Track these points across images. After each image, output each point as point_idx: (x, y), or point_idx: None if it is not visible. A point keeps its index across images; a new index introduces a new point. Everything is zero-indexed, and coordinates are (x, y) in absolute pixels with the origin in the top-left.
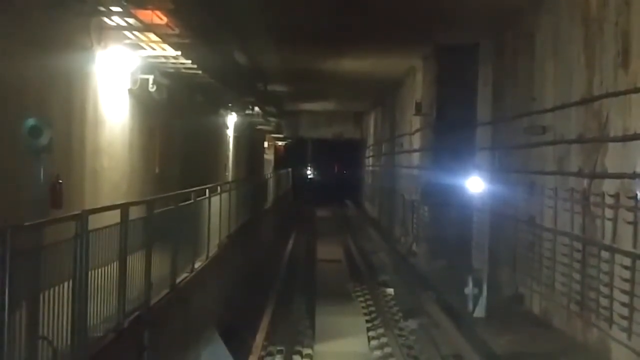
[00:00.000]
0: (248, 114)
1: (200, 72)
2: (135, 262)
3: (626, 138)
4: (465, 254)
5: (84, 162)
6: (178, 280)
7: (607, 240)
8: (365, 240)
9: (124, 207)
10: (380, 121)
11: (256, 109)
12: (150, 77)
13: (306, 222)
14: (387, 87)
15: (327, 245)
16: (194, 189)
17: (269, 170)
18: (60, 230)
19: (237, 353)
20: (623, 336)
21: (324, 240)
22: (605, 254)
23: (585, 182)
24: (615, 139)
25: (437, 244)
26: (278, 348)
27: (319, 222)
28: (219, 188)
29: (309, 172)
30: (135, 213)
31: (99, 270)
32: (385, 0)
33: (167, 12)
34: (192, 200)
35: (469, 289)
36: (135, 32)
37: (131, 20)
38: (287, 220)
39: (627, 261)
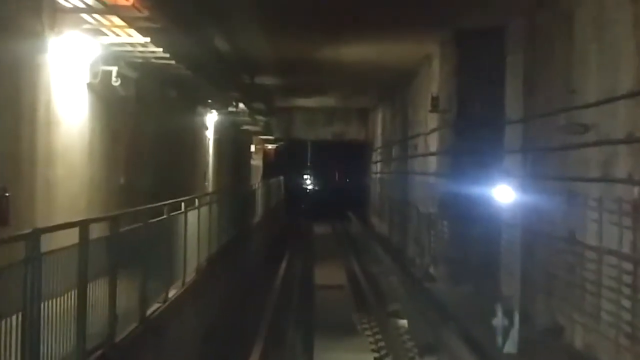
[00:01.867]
0: (231, 112)
1: (173, 62)
2: (98, 290)
3: None
4: (493, 277)
5: (35, 170)
6: (149, 311)
7: None
8: (373, 262)
9: (83, 225)
10: (389, 119)
11: (241, 105)
12: (114, 69)
13: (302, 240)
14: (398, 79)
15: (327, 268)
16: (167, 202)
17: (257, 179)
18: (5, 253)
19: None
20: None
21: (324, 262)
22: None
23: (636, 190)
24: None
25: (458, 266)
26: None
27: (317, 240)
28: (196, 201)
29: (304, 180)
30: (97, 232)
31: (54, 300)
32: None
33: None
34: (165, 216)
35: (498, 320)
36: (96, 15)
37: (90, 1)
38: (279, 238)
39: None
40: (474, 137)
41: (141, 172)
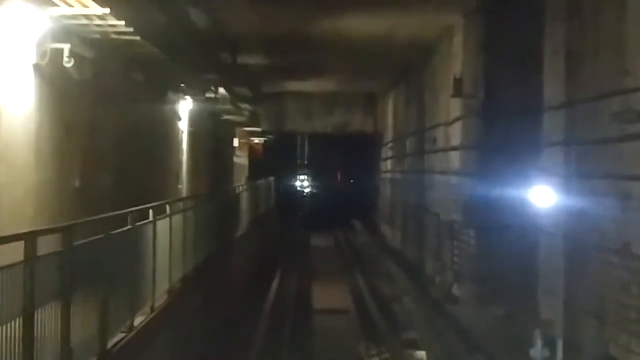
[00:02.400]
0: (209, 99)
1: (138, 38)
2: (48, 317)
3: None
4: (530, 298)
5: None
6: (110, 343)
7: None
8: (383, 281)
9: (29, 238)
10: (402, 107)
11: (221, 91)
12: (66, 47)
13: (297, 254)
14: (412, 57)
15: (329, 289)
16: (132, 209)
17: (241, 180)
18: None
19: None
20: None
21: (324, 282)
22: None
23: None
24: None
25: (487, 285)
26: None
27: (315, 255)
28: (168, 207)
29: (300, 182)
30: (46, 246)
31: None
32: None
33: None
34: (129, 226)
35: (537, 351)
36: None
37: None
38: (269, 252)
39: None
40: (506, 127)
41: (100, 173)
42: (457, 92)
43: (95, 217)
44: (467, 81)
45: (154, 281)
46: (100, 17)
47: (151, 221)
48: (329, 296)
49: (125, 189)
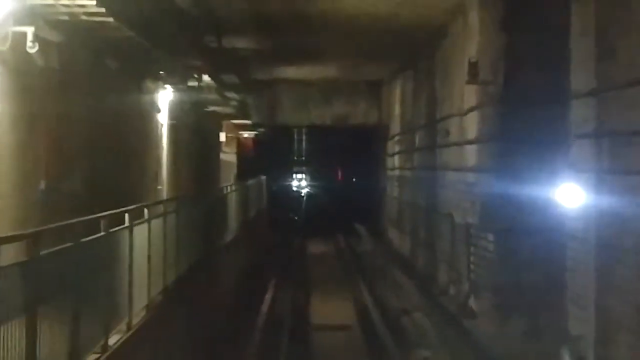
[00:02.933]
0: (192, 88)
1: (111, 20)
2: (10, 336)
3: None
4: (556, 310)
5: None
6: None
7: None
8: (391, 292)
9: None
10: (410, 96)
11: (205, 79)
12: (30, 31)
13: (293, 263)
14: (421, 39)
15: (329, 303)
16: (106, 213)
17: (229, 180)
18: None
19: None
20: None
21: (324, 294)
22: None
23: None
24: None
25: (508, 296)
26: None
27: (313, 264)
28: (146, 211)
29: (295, 181)
30: (8, 256)
31: None
32: None
33: None
34: (102, 233)
35: None
36: None
37: None
38: (261, 260)
39: None
40: (528, 117)
41: (69, 173)
42: (473, 77)
43: (64, 223)
44: (484, 65)
45: (130, 295)
46: None
47: (127, 227)
48: (330, 311)
49: (98, 191)
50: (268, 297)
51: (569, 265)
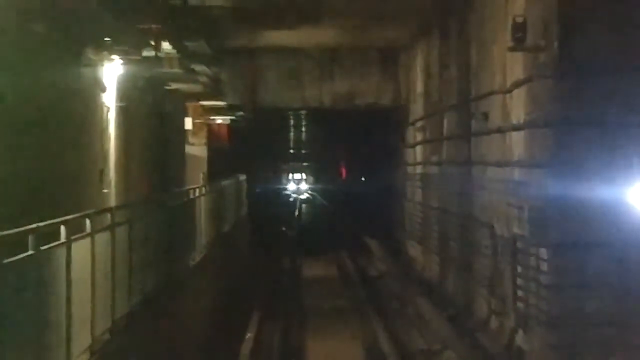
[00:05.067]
0: (148, 60)
1: None
2: None
3: None
4: (633, 351)
5: None
6: None
7: None
8: (415, 330)
9: None
10: (436, 67)
11: (165, 46)
12: None
13: (281, 292)
14: None
15: (331, 342)
16: (34, 225)
17: (197, 180)
18: None
19: None
20: None
21: (324, 335)
22: None
23: None
24: None
25: (569, 331)
26: None
27: (309, 292)
28: (88, 223)
29: (284, 181)
30: None
31: None
32: None
33: None
34: (30, 252)
35: None
36: None
37: None
38: (238, 288)
39: None
40: (594, 92)
41: None
42: (519, 42)
43: None
44: (534, 26)
45: (68, 334)
46: None
47: (64, 243)
48: (332, 345)
49: (24, 198)
50: (250, 334)
51: None
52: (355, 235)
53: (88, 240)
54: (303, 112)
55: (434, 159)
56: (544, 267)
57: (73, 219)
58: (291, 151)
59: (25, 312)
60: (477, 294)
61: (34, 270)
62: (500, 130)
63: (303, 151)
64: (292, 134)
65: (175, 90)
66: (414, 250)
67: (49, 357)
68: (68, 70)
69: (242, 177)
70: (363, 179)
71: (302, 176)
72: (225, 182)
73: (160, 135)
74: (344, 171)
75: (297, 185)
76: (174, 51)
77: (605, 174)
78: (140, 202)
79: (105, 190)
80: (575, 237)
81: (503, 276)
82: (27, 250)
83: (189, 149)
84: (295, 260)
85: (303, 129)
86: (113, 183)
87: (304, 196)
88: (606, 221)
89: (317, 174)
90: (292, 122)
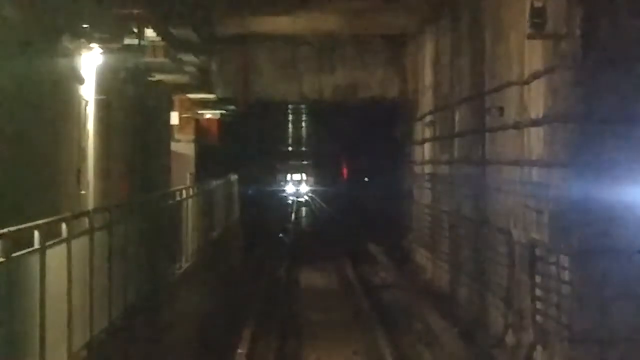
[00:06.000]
0: (130, 48)
1: None
2: None
3: None
4: None
5: None
6: None
7: None
8: (423, 345)
9: None
10: (447, 56)
11: (149, 34)
12: None
13: (276, 304)
14: None
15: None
16: (4, 231)
17: (184, 181)
18: None
19: None
20: None
21: (324, 352)
22: None
23: None
24: None
25: (593, 347)
26: None
27: (307, 306)
28: (64, 227)
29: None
30: None
31: None
32: None
33: None
34: (0, 258)
35: None
36: None
37: None
38: (230, 301)
39: None
40: (620, 86)
41: None
42: (538, 29)
43: None
44: (554, 11)
45: (42, 350)
46: None
47: (37, 249)
48: None
49: None
50: (242, 350)
51: None
52: (356, 241)
53: (64, 246)
54: (301, 106)
55: (444, 157)
56: (566, 276)
57: (47, 223)
58: (289, 149)
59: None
60: (491, 306)
61: (4, 279)
62: (517, 126)
63: (301, 149)
64: (289, 130)
65: (160, 82)
66: (421, 257)
67: None
68: (42, 60)
69: (234, 178)
70: (366, 179)
71: (301, 177)
72: (215, 183)
73: (143, 131)
74: (344, 171)
75: (297, 188)
76: (159, 39)
77: (633, 174)
78: (121, 205)
79: (82, 192)
80: (600, 243)
81: (520, 286)
82: None
83: (175, 146)
84: (291, 270)
85: (301, 124)
86: (91, 184)
87: (302, 199)
88: (633, 226)
89: (314, 174)
90: (289, 117)
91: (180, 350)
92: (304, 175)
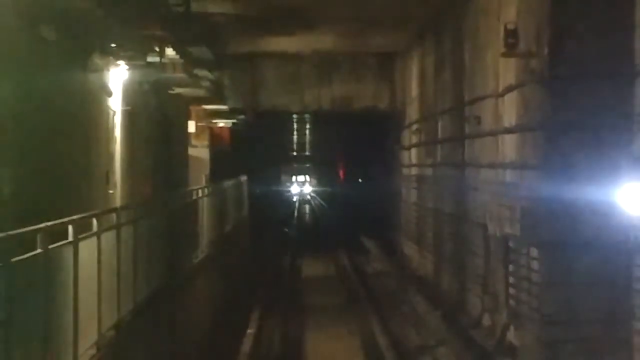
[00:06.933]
0: (152, 65)
1: None
2: None
3: None
4: (623, 345)
5: None
6: None
7: None
8: (409, 325)
9: None
10: (432, 72)
11: (169, 52)
12: None
13: (281, 289)
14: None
15: (328, 342)
16: (42, 225)
17: (200, 181)
18: None
19: None
20: None
21: (321, 332)
22: None
23: None
24: None
25: (558, 328)
26: None
27: (308, 291)
28: (95, 223)
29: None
30: None
31: None
32: None
33: None
34: (39, 250)
35: None
36: None
37: None
38: (240, 287)
39: None
40: (583, 98)
41: None
42: (511, 48)
43: None
44: (525, 32)
45: (76, 330)
46: None
47: (71, 242)
48: (330, 350)
49: (30, 197)
50: (251, 330)
51: (638, 287)
52: (351, 235)
53: (94, 239)
54: (305, 115)
55: (429, 161)
56: (535, 265)
57: (80, 218)
58: (293, 153)
59: (34, 309)
60: (470, 292)
61: (42, 268)
62: (492, 134)
63: (303, 154)
64: (293, 136)
65: (179, 95)
66: (409, 249)
67: (57, 352)
68: (76, 75)
69: (243, 179)
70: (360, 180)
71: (305, 178)
72: (227, 183)
73: (164, 137)
74: (340, 173)
75: (301, 188)
76: (178, 57)
77: (594, 176)
78: (145, 203)
79: (111, 191)
80: (565, 236)
81: (495, 274)
82: (36, 249)
83: (191, 151)
84: (294, 258)
85: (303, 131)
86: (119, 184)
87: (305, 198)
88: (595, 221)
89: (315, 175)
90: (293, 125)
91: (200, 323)
92: (307, 177)
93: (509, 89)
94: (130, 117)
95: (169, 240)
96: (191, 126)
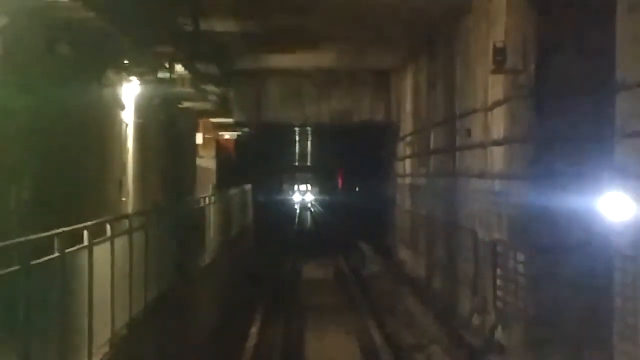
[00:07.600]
0: (163, 81)
1: None
2: None
3: None
4: (601, 345)
5: None
6: None
7: None
8: (403, 324)
9: None
10: (425, 88)
11: (179, 69)
12: None
13: (283, 290)
14: (438, 19)
15: (326, 339)
16: (59, 230)
17: (207, 190)
18: None
19: None
20: None
21: (320, 329)
22: None
23: None
24: None
25: (544, 328)
26: None
27: (308, 292)
28: (109, 228)
29: (288, 191)
30: None
31: None
32: None
33: None
34: (57, 254)
35: None
36: None
37: None
38: (245, 290)
39: None
40: (567, 112)
41: (11, 183)
42: (500, 65)
43: (7, 243)
44: (513, 51)
45: (91, 329)
46: None
47: (86, 246)
48: (328, 349)
49: (47, 205)
50: (255, 330)
51: (617, 290)
52: (349, 240)
53: (108, 244)
54: (307, 128)
55: (422, 171)
56: (522, 269)
57: (95, 224)
58: (295, 164)
59: (52, 309)
60: (460, 294)
61: (60, 270)
62: (482, 146)
63: (304, 164)
64: (295, 148)
65: (188, 109)
66: (403, 253)
67: (73, 349)
68: (91, 89)
69: (248, 188)
70: (357, 189)
71: (307, 187)
72: (233, 192)
73: (173, 149)
74: (339, 181)
75: (303, 197)
76: (187, 73)
77: (577, 185)
78: (156, 210)
79: (124, 199)
80: (550, 242)
81: (484, 278)
82: (53, 253)
83: (199, 162)
84: (295, 261)
85: (305, 143)
86: (131, 192)
87: (304, 204)
88: (578, 228)
89: (315, 185)
90: (295, 137)
91: (206, 321)
92: (309, 186)
93: (498, 104)
94: (142, 129)
95: (178, 245)
96: (199, 138)
